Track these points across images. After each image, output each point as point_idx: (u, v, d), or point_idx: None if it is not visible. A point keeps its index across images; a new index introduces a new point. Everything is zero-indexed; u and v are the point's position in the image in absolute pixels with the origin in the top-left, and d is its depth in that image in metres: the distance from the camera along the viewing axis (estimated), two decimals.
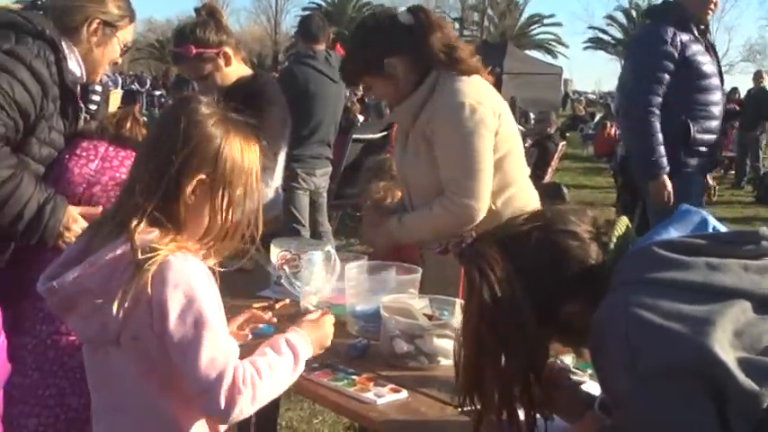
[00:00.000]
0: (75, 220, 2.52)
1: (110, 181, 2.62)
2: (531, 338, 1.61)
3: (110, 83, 14.92)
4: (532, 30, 59.30)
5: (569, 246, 1.61)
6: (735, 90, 20.15)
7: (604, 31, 59.11)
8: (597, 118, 24.43)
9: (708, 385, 1.41)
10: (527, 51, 45.67)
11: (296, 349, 1.90)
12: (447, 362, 2.14)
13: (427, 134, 2.81)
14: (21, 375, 2.40)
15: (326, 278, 2.58)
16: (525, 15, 58.80)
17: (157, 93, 23.76)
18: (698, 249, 1.56)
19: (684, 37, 4.55)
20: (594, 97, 48.09)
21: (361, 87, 2.92)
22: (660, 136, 4.53)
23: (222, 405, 1.76)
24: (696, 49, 4.58)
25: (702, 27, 4.75)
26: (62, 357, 2.48)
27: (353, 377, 2.06)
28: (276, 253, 2.80)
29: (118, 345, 1.84)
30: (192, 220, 1.87)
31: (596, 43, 59.97)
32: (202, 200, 1.87)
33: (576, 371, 2.02)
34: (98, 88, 2.85)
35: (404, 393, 1.98)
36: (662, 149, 4.53)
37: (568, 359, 2.08)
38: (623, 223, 1.69)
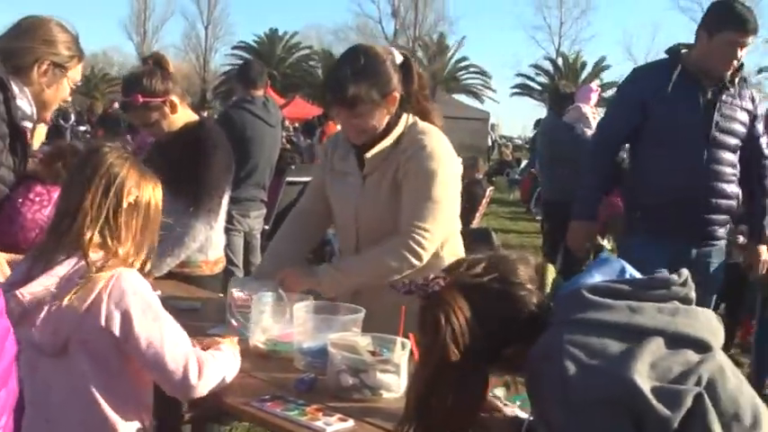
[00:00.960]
0: None
1: None
2: (481, 379, 1.81)
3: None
4: (461, 74, 60.18)
5: (521, 297, 1.83)
6: None
7: (531, 78, 60.41)
8: (524, 163, 24.94)
9: (630, 413, 1.63)
10: (455, 96, 46.50)
11: (227, 348, 2.41)
12: (389, 395, 2.31)
13: (398, 177, 2.93)
14: None
15: (276, 318, 2.73)
16: (454, 59, 59.71)
17: (82, 128, 23.26)
18: (620, 293, 1.79)
19: None
20: (521, 142, 49.03)
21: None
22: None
23: (191, 381, 2.21)
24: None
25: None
26: None
27: (304, 408, 2.21)
28: (230, 292, 2.93)
29: (64, 351, 2.17)
30: (126, 235, 2.29)
31: (523, 89, 61.18)
32: (131, 218, 2.30)
33: (508, 402, 2.22)
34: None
35: (350, 422, 2.14)
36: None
37: (500, 391, 2.27)
38: (552, 270, 1.92)
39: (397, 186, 2.94)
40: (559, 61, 59.01)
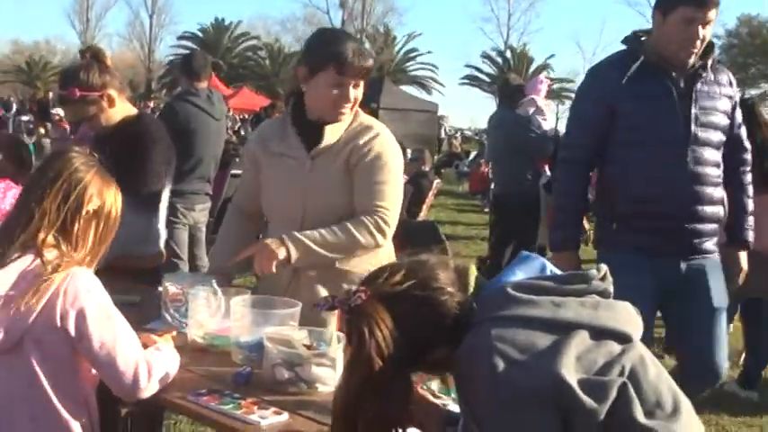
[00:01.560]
0: None
1: None
2: (406, 384, 1.87)
3: None
4: (409, 65, 60.32)
5: (443, 302, 1.86)
6: None
7: (480, 70, 60.76)
8: (473, 155, 25.06)
9: (558, 406, 1.68)
10: (403, 87, 46.60)
11: (166, 347, 2.44)
12: (324, 388, 2.33)
13: (351, 162, 3.01)
14: None
15: (211, 312, 2.74)
16: (402, 51, 59.80)
17: (25, 118, 22.75)
18: (543, 289, 1.85)
19: None
20: (470, 134, 49.25)
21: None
22: None
23: (141, 383, 2.24)
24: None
25: None
26: None
27: (239, 401, 2.23)
28: (164, 287, 2.94)
29: (15, 349, 2.17)
30: (81, 242, 2.32)
31: (472, 80, 61.52)
32: (88, 226, 2.34)
33: (441, 395, 2.26)
34: None
35: (285, 415, 2.16)
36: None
37: (434, 384, 2.31)
38: (473, 270, 1.97)
39: (349, 171, 3.02)
40: (508, 53, 59.41)
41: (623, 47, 3.73)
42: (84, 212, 2.31)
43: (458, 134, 41.56)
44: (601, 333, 1.79)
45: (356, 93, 3.00)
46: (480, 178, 17.66)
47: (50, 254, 2.21)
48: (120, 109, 3.69)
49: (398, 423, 1.89)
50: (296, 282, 3.04)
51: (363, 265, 2.86)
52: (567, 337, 1.75)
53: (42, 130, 18.45)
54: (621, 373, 1.74)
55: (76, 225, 2.30)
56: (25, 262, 2.19)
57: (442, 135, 36.22)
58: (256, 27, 61.86)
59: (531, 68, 54.40)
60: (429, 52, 60.19)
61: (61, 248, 2.24)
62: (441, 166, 25.43)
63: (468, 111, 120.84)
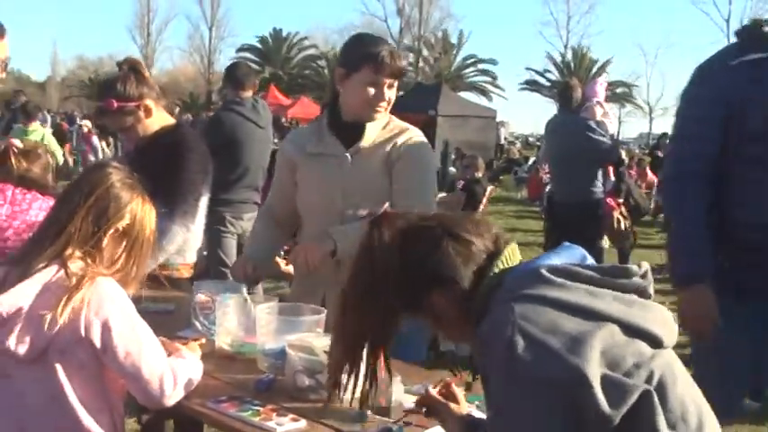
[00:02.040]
0: None
1: (21, 224, 2.78)
2: (386, 305, 1.83)
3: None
4: (468, 72, 60.15)
5: (452, 251, 1.79)
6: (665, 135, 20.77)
7: (540, 74, 60.33)
8: (531, 161, 24.84)
9: (571, 400, 1.60)
10: (462, 93, 46.49)
11: (189, 354, 2.42)
12: (346, 396, 2.31)
13: (392, 157, 3.11)
14: None
15: (240, 320, 2.75)
16: (461, 57, 59.67)
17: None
18: (579, 276, 1.76)
19: None
20: (533, 140, 48.82)
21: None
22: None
23: (166, 392, 2.24)
24: None
25: None
26: None
27: (258, 408, 2.23)
28: (195, 295, 2.96)
29: (41, 359, 2.16)
30: (110, 258, 2.30)
31: (532, 85, 61.10)
32: (117, 244, 2.31)
33: (466, 403, 2.22)
34: None
35: (302, 422, 2.16)
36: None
37: (460, 392, 2.28)
38: (515, 248, 1.87)
39: (387, 170, 3.11)
40: (568, 56, 58.88)
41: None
42: (113, 230, 2.29)
43: (518, 140, 41.27)
44: (633, 331, 1.70)
45: (390, 93, 3.11)
46: (538, 184, 17.50)
47: (75, 265, 2.20)
48: (158, 119, 3.73)
49: (374, 346, 1.90)
50: (336, 275, 3.02)
51: None
52: (595, 328, 1.65)
53: (104, 143, 18.83)
54: (650, 379, 1.65)
55: (105, 241, 2.28)
56: (50, 273, 2.18)
57: (503, 141, 36.02)
58: (315, 37, 62.33)
59: (592, 71, 53.80)
60: (492, 62, 59.47)
61: (87, 261, 2.23)
62: (499, 172, 25.30)
63: (531, 116, 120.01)
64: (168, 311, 3.22)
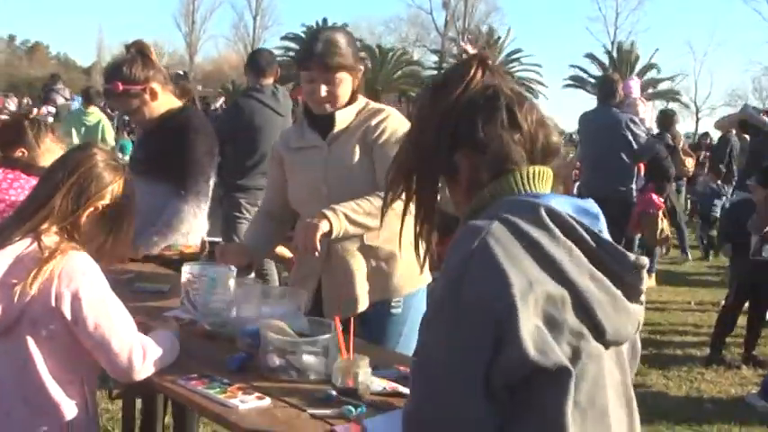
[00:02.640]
0: None
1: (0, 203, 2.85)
2: (439, 138, 1.77)
3: (77, 104, 15.13)
4: (513, 67, 59.71)
5: (497, 120, 1.73)
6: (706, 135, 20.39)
7: (585, 71, 59.71)
8: (569, 157, 24.60)
9: (499, 332, 1.50)
10: None
11: (165, 333, 2.47)
12: (316, 377, 2.35)
13: (368, 139, 3.15)
14: None
15: (222, 300, 2.79)
16: (505, 52, 59.25)
17: (128, 117, 23.67)
18: (572, 232, 1.63)
19: None
20: (577, 137, 48.13)
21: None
22: None
23: (135, 365, 2.29)
24: None
25: None
26: None
27: (227, 386, 2.26)
28: (183, 275, 3.00)
29: (11, 331, 2.23)
30: (87, 235, 2.38)
31: (576, 82, 60.50)
32: (96, 223, 2.39)
33: None
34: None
35: (267, 401, 2.18)
36: None
37: None
38: (548, 174, 1.77)
39: (366, 151, 3.15)
40: (615, 52, 58.22)
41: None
42: (93, 208, 2.38)
43: (561, 137, 40.82)
44: (582, 310, 1.58)
45: (329, 88, 3.14)
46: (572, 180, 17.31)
47: (49, 239, 2.27)
48: (164, 102, 3.79)
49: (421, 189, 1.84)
50: (328, 261, 3.17)
51: (393, 243, 2.99)
52: (553, 285, 1.55)
53: None
54: (573, 362, 1.55)
55: (84, 219, 2.37)
56: (23, 245, 2.26)
57: None
58: (360, 27, 62.12)
59: (637, 68, 53.17)
60: (537, 64, 58.95)
61: (63, 237, 2.31)
62: None
63: (574, 113, 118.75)
64: (162, 292, 3.26)
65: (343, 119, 3.20)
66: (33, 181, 2.63)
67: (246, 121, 5.93)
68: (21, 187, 2.93)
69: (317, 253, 2.93)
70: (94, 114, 10.35)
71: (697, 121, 58.55)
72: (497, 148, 1.73)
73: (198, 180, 3.73)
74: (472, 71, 1.79)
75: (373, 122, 3.18)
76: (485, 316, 1.52)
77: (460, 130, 1.75)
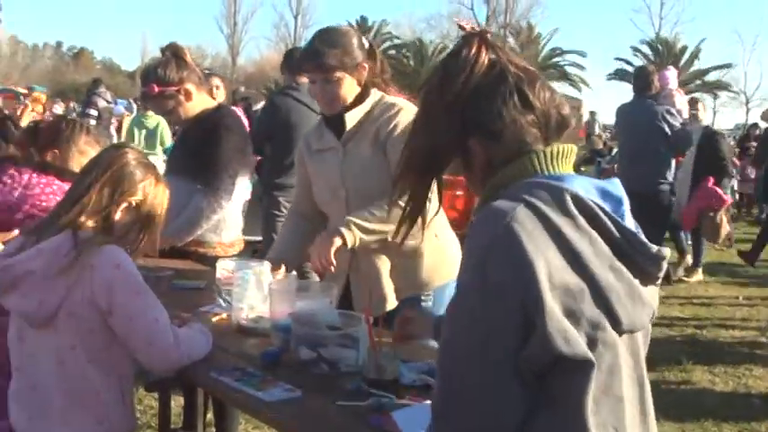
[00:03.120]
0: None
1: (31, 208, 2.92)
2: (450, 122, 1.72)
3: (121, 108, 15.43)
4: (555, 61, 59.25)
5: (509, 105, 1.68)
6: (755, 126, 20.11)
7: (629, 63, 59.07)
8: (614, 151, 24.33)
9: (524, 317, 1.49)
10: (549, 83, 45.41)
11: (198, 326, 2.56)
12: (347, 369, 2.36)
13: (381, 135, 3.12)
14: None
15: (257, 296, 2.81)
16: (548, 48, 58.81)
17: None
18: (596, 219, 1.60)
19: None
20: None
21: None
22: None
23: (169, 356, 2.34)
24: None
25: None
26: None
27: (259, 379, 2.29)
28: (218, 272, 3.04)
29: (51, 323, 2.30)
30: (121, 230, 2.47)
31: (620, 75, 59.87)
32: (129, 218, 2.48)
33: None
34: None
35: (297, 393, 2.21)
36: None
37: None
38: (570, 150, 1.72)
39: (381, 143, 3.13)
40: (658, 46, 57.52)
41: None
42: (126, 204, 2.46)
43: (606, 130, 40.43)
44: (601, 301, 1.56)
45: (329, 88, 3.12)
46: (610, 175, 17.16)
47: (85, 234, 2.34)
48: (199, 102, 3.85)
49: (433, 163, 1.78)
50: (356, 259, 3.19)
51: (415, 238, 2.84)
52: (574, 278, 1.53)
53: None
54: (591, 347, 1.53)
55: (118, 214, 2.45)
56: (61, 239, 2.32)
57: (596, 131, 35.37)
58: (401, 25, 62.26)
59: (683, 59, 52.48)
60: (581, 53, 58.30)
61: (98, 230, 2.38)
62: (582, 163, 24.90)
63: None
64: (198, 288, 3.31)
65: (353, 118, 3.18)
66: (66, 186, 2.69)
67: (283, 119, 5.96)
68: (53, 193, 2.98)
69: (332, 268, 2.95)
70: (153, 118, 10.72)
71: (747, 112, 57.65)
72: (511, 135, 1.70)
73: (221, 177, 3.76)
74: (473, 51, 1.72)
75: (385, 117, 3.15)
76: (512, 300, 1.50)
77: (471, 119, 1.71)
